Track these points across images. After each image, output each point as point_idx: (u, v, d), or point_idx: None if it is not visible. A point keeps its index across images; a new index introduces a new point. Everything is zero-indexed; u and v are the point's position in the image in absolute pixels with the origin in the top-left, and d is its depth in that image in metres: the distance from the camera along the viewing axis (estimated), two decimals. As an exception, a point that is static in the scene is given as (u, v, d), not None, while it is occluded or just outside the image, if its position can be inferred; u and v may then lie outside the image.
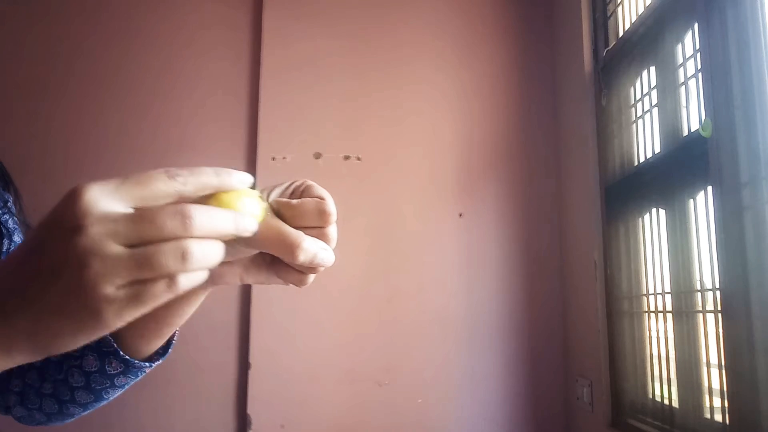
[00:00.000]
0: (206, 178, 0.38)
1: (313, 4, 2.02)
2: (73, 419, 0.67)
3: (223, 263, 0.48)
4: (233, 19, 2.03)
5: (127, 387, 0.64)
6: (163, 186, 0.36)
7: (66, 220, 0.34)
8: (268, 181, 1.80)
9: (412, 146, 1.98)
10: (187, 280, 0.35)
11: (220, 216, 0.37)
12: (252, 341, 1.83)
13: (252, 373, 1.82)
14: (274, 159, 1.92)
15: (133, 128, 1.94)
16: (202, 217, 0.35)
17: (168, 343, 0.63)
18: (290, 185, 0.48)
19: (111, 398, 0.64)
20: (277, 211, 0.45)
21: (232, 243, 0.42)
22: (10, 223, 0.70)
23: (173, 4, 2.02)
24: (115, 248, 0.34)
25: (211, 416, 1.83)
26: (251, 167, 1.93)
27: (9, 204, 0.70)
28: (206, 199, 0.39)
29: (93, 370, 0.61)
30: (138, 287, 0.34)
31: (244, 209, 0.40)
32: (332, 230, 0.46)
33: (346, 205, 1.91)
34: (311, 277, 0.49)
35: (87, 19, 1.99)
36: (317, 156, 1.95)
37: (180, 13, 2.02)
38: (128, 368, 0.61)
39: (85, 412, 0.66)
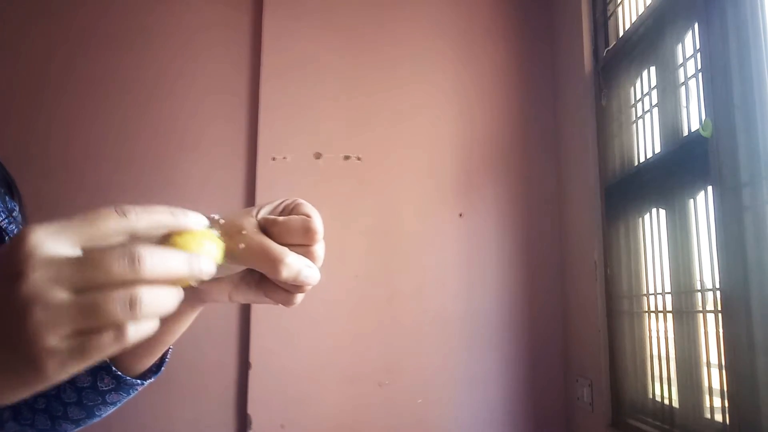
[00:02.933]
0: (159, 216, 0.36)
1: (313, 4, 2.02)
2: None
3: (212, 280, 0.46)
4: (233, 19, 2.03)
5: (119, 404, 0.63)
6: (113, 224, 0.34)
7: (9, 266, 0.32)
8: (268, 181, 1.79)
9: (412, 146, 1.98)
10: (135, 331, 0.33)
11: (174, 258, 0.34)
12: (252, 341, 1.83)
13: (252, 373, 1.82)
14: (274, 159, 1.92)
15: (133, 128, 1.94)
16: (153, 258, 0.33)
17: (161, 361, 0.62)
18: (281, 203, 0.48)
19: (103, 415, 0.64)
20: (264, 228, 0.45)
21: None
22: (15, 233, 0.70)
23: (173, 4, 2.02)
24: (59, 294, 0.31)
25: (211, 416, 1.83)
26: (251, 167, 1.93)
27: (15, 213, 0.70)
28: (162, 242, 0.36)
29: (85, 386, 0.60)
30: (82, 338, 0.32)
31: (202, 251, 0.37)
32: (319, 248, 0.46)
33: (346, 205, 1.92)
34: (299, 297, 0.48)
35: (87, 19, 1.99)
36: (317, 156, 1.95)
37: (180, 13, 2.02)
38: (120, 385, 0.60)
39: (78, 428, 0.65)
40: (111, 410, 0.64)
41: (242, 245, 0.43)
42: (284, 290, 0.48)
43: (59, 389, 0.62)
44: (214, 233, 0.40)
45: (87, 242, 0.33)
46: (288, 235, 0.44)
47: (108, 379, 0.60)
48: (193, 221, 0.38)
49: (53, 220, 0.33)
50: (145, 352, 0.59)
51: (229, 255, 0.41)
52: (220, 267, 0.45)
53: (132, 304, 0.32)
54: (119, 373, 0.59)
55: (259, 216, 0.46)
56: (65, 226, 0.33)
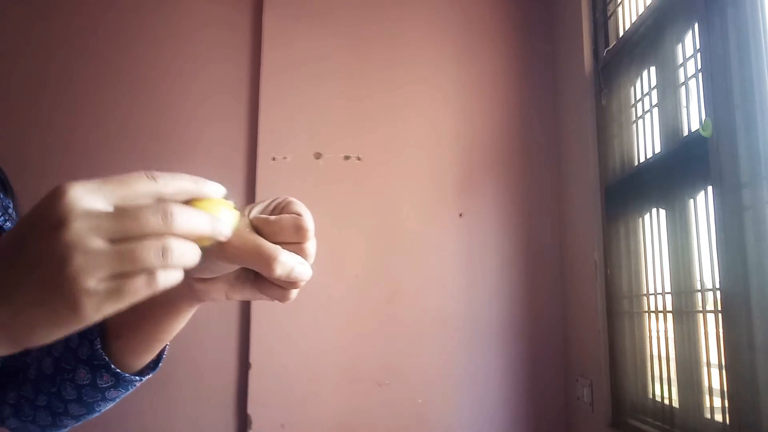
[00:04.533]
0: (184, 182, 0.40)
1: (313, 4, 2.02)
2: (65, 431, 0.68)
3: (208, 280, 0.49)
4: (233, 19, 2.03)
5: (118, 400, 0.64)
6: (143, 186, 0.37)
7: (49, 216, 0.35)
8: (268, 181, 1.79)
9: (412, 146, 1.98)
10: (165, 278, 0.36)
11: (199, 217, 0.38)
12: (252, 341, 1.83)
13: (252, 373, 1.82)
14: (274, 159, 1.92)
15: (132, 128, 1.94)
16: (183, 215, 0.37)
17: (158, 358, 0.64)
18: (272, 202, 0.49)
19: (102, 410, 0.65)
20: (256, 228, 0.46)
21: (213, 258, 0.43)
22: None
23: (173, 4, 2.02)
24: (98, 242, 0.34)
25: (211, 416, 1.83)
26: (251, 167, 1.93)
27: (10, 210, 0.70)
28: None
29: (85, 383, 0.62)
30: (118, 281, 0.35)
31: (220, 216, 0.41)
32: (310, 246, 0.47)
33: (346, 205, 1.92)
34: (294, 293, 0.49)
35: (86, 19, 1.99)
36: (317, 156, 1.95)
37: (180, 12, 2.02)
38: (119, 381, 0.61)
39: (78, 424, 0.66)
40: (110, 406, 0.65)
41: (235, 240, 0.44)
42: (279, 287, 0.49)
43: (60, 386, 0.63)
44: (231, 203, 0.43)
45: (119, 201, 0.36)
46: (280, 233, 0.46)
47: (107, 376, 0.61)
48: (213, 189, 0.41)
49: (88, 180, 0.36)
50: (143, 349, 0.60)
51: (222, 254, 0.44)
52: (215, 266, 0.47)
53: (164, 252, 0.35)
54: (118, 370, 0.60)
55: (251, 215, 0.48)
56: (101, 184, 0.36)
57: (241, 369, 1.85)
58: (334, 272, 1.85)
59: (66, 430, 0.68)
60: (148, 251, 0.35)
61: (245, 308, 1.87)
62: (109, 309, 0.35)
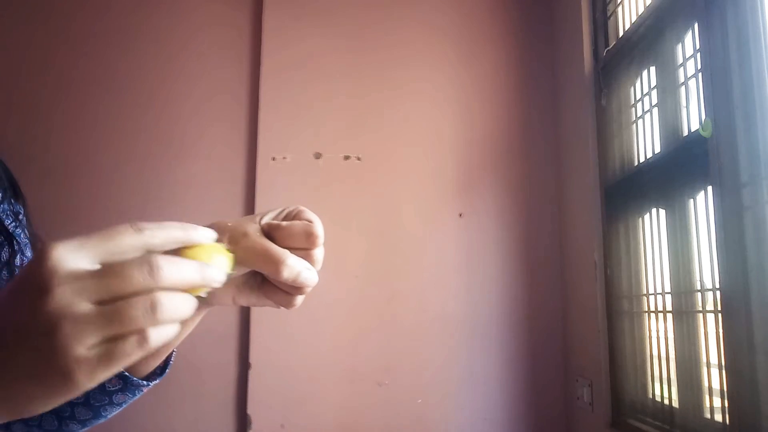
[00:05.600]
0: (172, 231, 0.38)
1: (313, 4, 2.02)
2: None
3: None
4: (233, 19, 2.03)
5: (124, 405, 0.64)
6: (129, 240, 0.36)
7: (33, 283, 0.34)
8: (268, 182, 1.79)
9: (412, 146, 1.98)
10: (157, 335, 0.35)
11: (188, 266, 0.37)
12: (252, 341, 1.83)
13: (252, 373, 1.82)
14: (274, 159, 1.92)
15: (133, 128, 1.94)
16: (170, 267, 0.35)
17: (165, 363, 0.64)
18: (283, 210, 0.50)
19: (109, 416, 0.65)
20: (267, 233, 0.47)
21: None
22: (22, 237, 0.70)
23: (173, 4, 2.02)
24: (84, 306, 0.33)
25: (211, 416, 1.83)
26: (251, 167, 1.93)
27: (21, 217, 0.70)
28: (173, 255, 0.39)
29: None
30: (108, 345, 0.34)
31: (212, 262, 0.40)
32: (318, 252, 0.48)
33: (346, 205, 1.92)
34: (299, 299, 0.50)
35: (87, 19, 1.99)
36: (317, 156, 1.95)
37: (180, 13, 2.02)
38: (127, 385, 0.61)
39: (84, 429, 0.66)
40: (116, 411, 0.65)
41: (245, 244, 0.45)
42: (285, 292, 0.50)
43: None
44: (222, 246, 0.42)
45: (105, 257, 0.35)
46: (290, 239, 0.47)
47: (115, 379, 0.61)
48: (203, 235, 0.40)
49: (71, 238, 0.35)
50: (150, 354, 0.60)
51: (235, 260, 0.44)
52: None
53: (153, 309, 0.34)
54: (126, 373, 0.60)
55: (263, 222, 0.48)
56: (85, 241, 0.35)
57: (241, 369, 1.85)
58: (334, 272, 1.85)
59: None
60: (137, 310, 0.34)
61: (245, 308, 1.87)
62: (103, 375, 0.34)
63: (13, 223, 0.67)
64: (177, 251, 0.39)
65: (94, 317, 0.33)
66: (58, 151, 1.91)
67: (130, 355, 0.34)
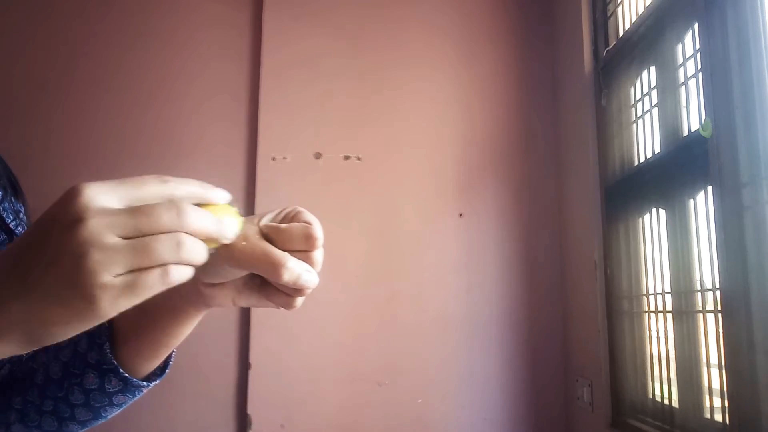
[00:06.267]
0: (193, 187, 0.41)
1: (313, 4, 2.02)
2: None
3: (216, 285, 0.51)
4: (233, 19, 2.03)
5: (124, 406, 0.65)
6: (155, 188, 0.39)
7: (66, 214, 0.36)
8: (268, 181, 1.79)
9: (412, 146, 1.98)
10: (178, 272, 0.37)
11: (208, 216, 0.40)
12: (252, 341, 1.83)
13: (252, 373, 1.82)
14: (274, 159, 1.92)
15: (133, 128, 1.94)
16: (194, 213, 0.38)
17: (165, 364, 0.65)
18: (281, 212, 0.50)
19: (109, 417, 0.66)
20: (266, 235, 0.47)
21: (222, 264, 0.45)
22: None
23: (173, 4, 2.02)
24: (113, 239, 0.35)
25: (211, 416, 1.83)
26: (251, 167, 1.93)
27: (21, 215, 0.71)
28: None
29: (93, 387, 0.62)
30: (133, 276, 0.36)
31: (224, 220, 0.43)
32: (318, 254, 0.48)
33: (346, 205, 1.92)
34: (299, 300, 0.50)
35: (87, 19, 1.99)
36: (317, 156, 1.95)
37: (180, 13, 2.02)
38: (127, 386, 0.62)
39: (83, 430, 0.67)
40: (116, 412, 0.65)
41: (244, 243, 0.46)
42: (285, 294, 0.50)
43: (67, 391, 0.63)
44: (235, 209, 0.44)
45: (132, 201, 0.38)
46: (289, 241, 0.47)
47: (115, 381, 0.61)
48: (220, 195, 0.43)
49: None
50: (151, 355, 0.61)
51: (233, 260, 0.45)
52: (223, 272, 0.48)
53: (178, 246, 0.37)
54: (126, 375, 0.61)
55: (261, 224, 0.49)
56: (116, 185, 0.38)
57: (241, 369, 1.85)
58: (334, 272, 1.85)
59: None
60: (163, 245, 0.36)
61: (245, 308, 1.87)
62: (125, 304, 0.36)
63: (14, 222, 0.67)
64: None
65: (122, 248, 0.35)
66: (58, 151, 1.91)
67: (152, 287, 0.37)
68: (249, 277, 0.51)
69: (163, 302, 0.54)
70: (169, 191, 0.39)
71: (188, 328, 0.58)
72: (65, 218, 0.36)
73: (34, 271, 0.36)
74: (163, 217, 0.37)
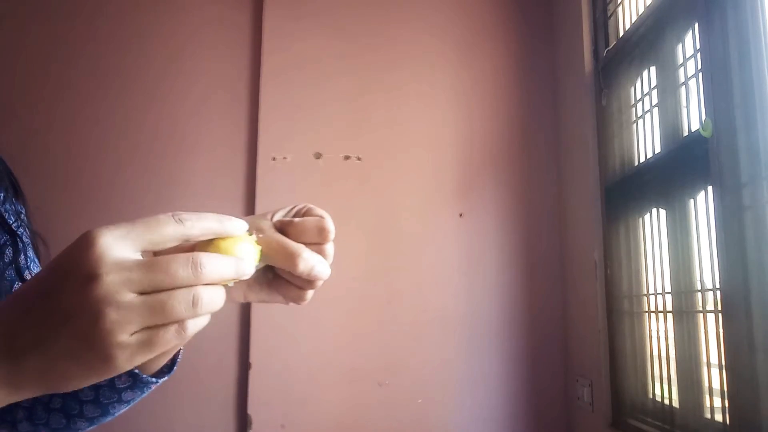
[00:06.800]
0: (210, 223, 0.41)
1: (313, 4, 2.02)
2: None
3: None
4: (233, 19, 2.03)
5: (132, 403, 0.65)
6: (171, 230, 0.38)
7: (80, 268, 0.35)
8: (268, 181, 1.79)
9: (412, 146, 1.98)
10: (194, 325, 0.38)
11: (225, 263, 0.39)
12: (252, 341, 1.83)
13: (252, 373, 1.82)
14: (274, 159, 1.92)
15: (133, 128, 1.94)
16: (210, 265, 0.38)
17: (173, 361, 0.65)
18: (293, 208, 0.52)
19: (116, 413, 0.66)
20: (281, 229, 0.49)
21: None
22: (24, 237, 0.71)
23: (173, 4, 2.02)
24: (130, 296, 0.35)
25: (211, 416, 1.83)
26: (251, 167, 1.93)
27: (22, 216, 0.71)
28: (206, 245, 0.41)
29: (103, 384, 0.62)
30: (150, 333, 0.36)
31: (242, 254, 0.42)
32: (329, 247, 0.50)
33: (346, 205, 1.92)
34: (310, 293, 0.52)
35: (87, 19, 1.99)
36: (317, 156, 1.95)
37: (180, 12, 2.02)
38: (136, 382, 0.62)
39: (91, 427, 0.67)
40: (124, 409, 0.66)
41: (261, 235, 0.47)
42: (296, 287, 0.52)
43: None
44: (253, 238, 0.45)
45: (147, 246, 0.38)
46: (303, 234, 0.49)
47: (125, 377, 0.62)
48: (237, 227, 0.42)
49: (116, 224, 0.37)
50: (162, 352, 0.61)
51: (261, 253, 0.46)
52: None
53: (195, 303, 0.37)
54: (136, 371, 0.61)
55: (274, 219, 0.51)
56: (129, 230, 0.37)
57: (241, 369, 1.85)
58: (334, 272, 1.82)
59: None
60: (180, 303, 0.36)
61: (245, 308, 1.87)
62: (141, 359, 0.36)
63: (16, 223, 0.67)
64: (209, 241, 0.41)
65: (138, 306, 0.35)
66: (58, 151, 1.91)
67: (168, 343, 0.37)
68: (260, 271, 0.52)
69: None
70: (185, 231, 0.39)
71: None
72: (80, 272, 0.35)
73: (49, 325, 0.36)
74: (180, 273, 0.36)
